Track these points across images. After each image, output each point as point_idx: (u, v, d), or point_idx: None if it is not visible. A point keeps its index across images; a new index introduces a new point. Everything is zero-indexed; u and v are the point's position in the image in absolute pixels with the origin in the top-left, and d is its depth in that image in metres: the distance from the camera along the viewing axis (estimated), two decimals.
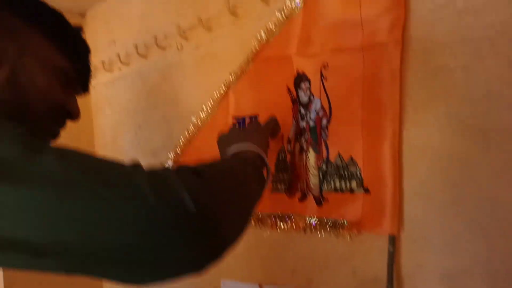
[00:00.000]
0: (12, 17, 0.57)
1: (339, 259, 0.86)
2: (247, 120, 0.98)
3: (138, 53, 1.26)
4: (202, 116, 1.09)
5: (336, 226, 0.85)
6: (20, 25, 0.57)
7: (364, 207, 0.81)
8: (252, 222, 0.99)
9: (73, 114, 0.63)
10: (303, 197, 0.90)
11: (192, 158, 1.13)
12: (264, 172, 0.70)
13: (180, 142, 1.14)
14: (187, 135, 1.13)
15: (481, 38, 0.66)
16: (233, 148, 0.71)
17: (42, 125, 0.59)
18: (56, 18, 0.62)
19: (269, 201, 0.96)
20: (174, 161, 1.17)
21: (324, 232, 0.87)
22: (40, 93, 0.58)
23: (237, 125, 0.98)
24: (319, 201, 0.87)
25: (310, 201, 0.88)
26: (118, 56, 1.33)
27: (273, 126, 0.87)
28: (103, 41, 1.43)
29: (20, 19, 0.57)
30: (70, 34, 0.64)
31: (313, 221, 0.88)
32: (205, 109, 1.08)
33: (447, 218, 0.71)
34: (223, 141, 0.78)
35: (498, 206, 0.65)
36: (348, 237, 0.83)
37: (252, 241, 1.01)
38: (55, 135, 0.63)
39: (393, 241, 0.77)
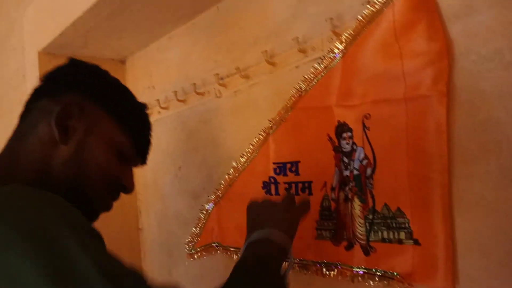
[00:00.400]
0: (84, 98, 0.60)
1: None
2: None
3: (177, 98, 1.29)
4: (241, 161, 1.09)
5: (385, 277, 0.82)
6: (90, 105, 0.60)
7: (415, 259, 0.78)
8: (296, 267, 0.98)
9: (128, 188, 0.65)
10: (350, 246, 0.88)
11: (232, 201, 1.13)
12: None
13: (220, 185, 1.15)
14: (227, 178, 1.13)
15: None
16: (261, 234, 0.69)
17: (97, 199, 0.61)
18: (124, 98, 0.65)
19: (313, 248, 0.94)
20: (215, 203, 1.18)
21: (372, 282, 0.84)
22: (99, 169, 0.59)
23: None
24: (366, 250, 0.85)
25: (357, 251, 0.86)
26: (158, 101, 1.36)
27: (305, 208, 0.82)
28: (143, 86, 1.47)
29: (91, 100, 0.60)
30: (135, 113, 0.66)
31: (361, 270, 0.86)
32: (244, 154, 1.08)
33: (506, 274, 0.67)
34: (253, 211, 0.77)
35: None
36: None
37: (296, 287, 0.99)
38: (109, 208, 0.65)
39: None
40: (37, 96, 0.62)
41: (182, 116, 1.33)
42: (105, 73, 0.66)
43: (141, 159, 0.69)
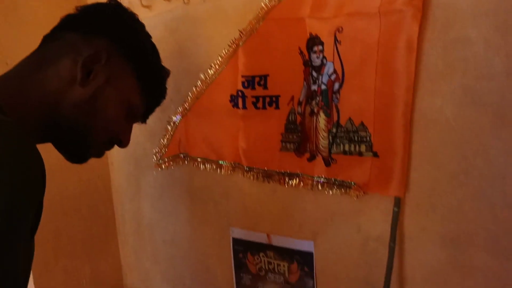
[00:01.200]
0: (115, 47, 0.57)
1: (344, 217, 0.88)
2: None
3: (142, 4, 1.18)
4: (210, 73, 1.04)
5: (343, 186, 0.85)
6: (119, 57, 0.58)
7: (372, 170, 0.81)
8: (256, 177, 1.00)
9: (124, 143, 0.64)
10: (312, 158, 0.90)
11: (199, 114, 1.11)
12: None
13: (188, 98, 1.11)
14: (194, 90, 1.09)
15: (507, 11, 0.61)
16: None
17: (94, 147, 0.60)
18: (153, 60, 0.63)
19: (277, 159, 0.96)
20: (182, 115, 1.15)
21: (331, 191, 0.88)
22: (106, 121, 0.58)
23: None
24: (327, 162, 0.87)
25: (319, 162, 0.88)
26: None
27: None
28: None
29: (121, 52, 0.58)
30: (157, 78, 0.64)
31: (321, 180, 0.89)
32: (213, 66, 1.03)
33: (454, 186, 0.71)
34: None
35: (507, 182, 0.65)
36: (355, 197, 0.84)
37: (261, 195, 1.03)
38: (100, 156, 0.63)
39: (399, 203, 0.78)
40: (68, 26, 0.58)
41: (147, 25, 1.22)
42: (142, 27, 0.63)
43: (144, 118, 0.68)
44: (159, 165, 1.21)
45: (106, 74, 0.56)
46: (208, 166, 1.11)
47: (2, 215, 0.39)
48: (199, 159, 1.12)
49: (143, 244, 1.40)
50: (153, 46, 0.64)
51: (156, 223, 1.33)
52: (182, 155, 1.17)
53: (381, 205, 0.81)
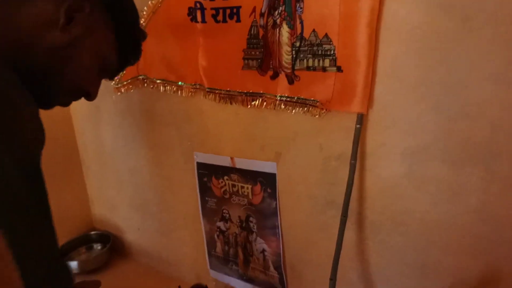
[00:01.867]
0: (98, 1, 0.56)
1: (307, 136, 0.85)
2: None
3: None
4: None
5: (306, 104, 0.82)
6: (102, 10, 0.57)
7: (336, 86, 0.77)
8: (218, 98, 0.95)
9: (91, 96, 0.63)
10: (275, 75, 0.84)
11: (156, 31, 1.01)
12: None
13: (143, 12, 1.01)
14: (150, 4, 0.99)
15: None
16: None
17: (62, 96, 0.59)
18: (134, 21, 0.62)
19: (239, 79, 0.90)
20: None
21: (294, 110, 0.84)
22: (79, 72, 0.57)
23: None
24: (291, 79, 0.82)
25: (282, 79, 0.83)
26: None
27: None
28: None
29: (106, 5, 0.57)
30: (135, 39, 0.64)
31: (284, 98, 0.84)
32: None
33: (415, 99, 0.68)
34: None
35: (465, 91, 0.63)
36: (317, 115, 0.80)
37: (222, 118, 0.98)
38: (66, 105, 0.62)
39: (361, 119, 0.75)
40: None
41: None
42: None
43: (113, 76, 0.68)
44: (118, 89, 1.13)
45: (86, 25, 0.55)
46: (168, 88, 1.04)
47: None
48: (158, 81, 1.05)
49: (107, 172, 1.36)
50: (134, 6, 0.63)
51: (119, 150, 1.28)
52: (141, 77, 1.09)
53: (343, 123, 0.78)
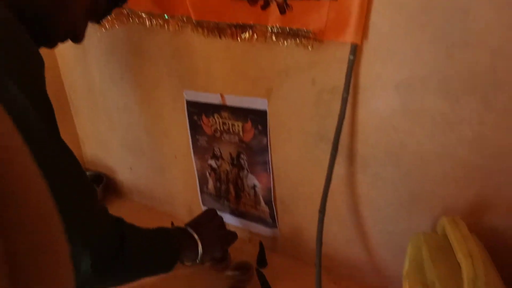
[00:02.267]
0: None
1: (299, 69, 0.82)
2: None
3: None
4: None
5: (298, 35, 0.78)
6: None
7: (329, 15, 0.73)
8: (206, 32, 0.90)
9: (79, 38, 0.63)
10: (266, 5, 0.79)
11: None
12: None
13: None
14: None
15: None
16: (191, 239, 0.82)
17: (49, 34, 0.59)
18: None
19: (228, 9, 0.85)
20: None
21: (286, 42, 0.80)
22: (70, 16, 0.58)
23: None
24: (282, 9, 0.77)
25: (273, 9, 0.79)
26: None
27: (233, 238, 0.94)
28: None
29: None
30: None
31: (275, 29, 0.80)
32: None
33: (413, 28, 0.65)
34: (205, 218, 0.90)
35: (469, 18, 0.59)
36: (310, 47, 0.77)
37: (211, 52, 0.94)
38: (53, 46, 0.62)
39: (355, 50, 0.72)
40: None
41: None
42: None
43: (99, 20, 0.68)
44: (103, 25, 1.07)
45: None
46: (154, 22, 0.98)
47: None
48: (143, 15, 0.99)
49: (97, 112, 1.33)
50: None
51: (108, 89, 1.24)
52: (125, 11, 1.03)
53: (337, 55, 0.75)
